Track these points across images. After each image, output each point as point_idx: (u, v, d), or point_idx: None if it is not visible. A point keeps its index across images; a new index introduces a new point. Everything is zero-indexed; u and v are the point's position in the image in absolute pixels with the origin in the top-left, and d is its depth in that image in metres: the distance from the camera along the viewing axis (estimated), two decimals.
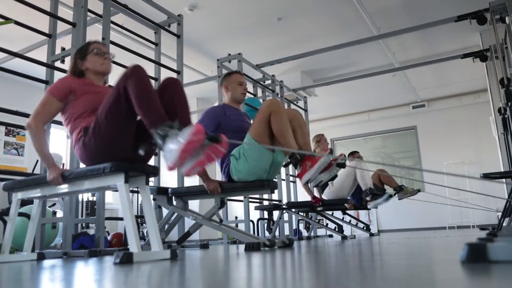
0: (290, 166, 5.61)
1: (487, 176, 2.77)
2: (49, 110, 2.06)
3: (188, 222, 2.98)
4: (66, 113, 2.08)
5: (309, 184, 2.42)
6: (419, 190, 4.98)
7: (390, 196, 4.72)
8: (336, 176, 4.71)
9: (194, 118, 6.52)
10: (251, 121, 2.75)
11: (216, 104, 3.07)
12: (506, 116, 3.89)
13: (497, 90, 4.91)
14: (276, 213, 4.71)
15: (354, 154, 5.56)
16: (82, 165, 2.05)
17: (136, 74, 1.75)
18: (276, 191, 4.80)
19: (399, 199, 5.02)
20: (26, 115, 2.87)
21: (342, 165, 2.37)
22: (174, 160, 1.55)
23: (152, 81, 3.76)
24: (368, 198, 4.62)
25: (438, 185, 2.15)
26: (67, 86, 2.08)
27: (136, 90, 1.72)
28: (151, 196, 2.17)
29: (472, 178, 7.52)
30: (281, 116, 2.43)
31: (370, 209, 4.84)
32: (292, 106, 6.27)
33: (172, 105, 1.86)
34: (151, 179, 2.35)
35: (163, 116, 1.68)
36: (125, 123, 1.82)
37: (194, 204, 6.44)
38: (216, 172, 5.36)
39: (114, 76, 2.38)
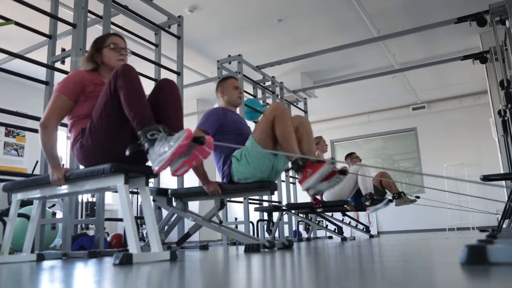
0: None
1: (487, 178, 2.77)
2: (63, 110, 2.00)
3: (188, 223, 2.98)
4: (72, 112, 2.04)
5: (308, 191, 2.39)
6: (418, 197, 4.94)
7: (390, 201, 4.69)
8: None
9: (194, 119, 6.53)
10: (253, 124, 2.76)
11: (216, 105, 3.06)
12: (506, 118, 3.89)
13: (497, 92, 4.91)
14: (276, 215, 4.71)
15: (352, 155, 5.54)
16: (81, 166, 2.04)
17: (125, 74, 1.74)
18: (276, 192, 4.79)
19: (396, 205, 4.99)
20: (26, 116, 2.88)
21: (344, 172, 2.34)
22: (163, 162, 1.58)
23: (152, 83, 3.78)
24: (367, 203, 4.61)
25: (438, 189, 2.15)
26: (79, 86, 2.00)
27: (125, 90, 1.72)
28: (151, 197, 2.17)
29: (472, 182, 7.51)
30: (285, 121, 2.41)
31: (368, 213, 4.83)
32: (292, 108, 6.27)
33: (165, 107, 1.87)
34: (151, 180, 2.35)
35: (150, 119, 1.69)
36: (119, 123, 1.80)
37: (193, 205, 6.44)
38: (215, 174, 5.35)
39: None
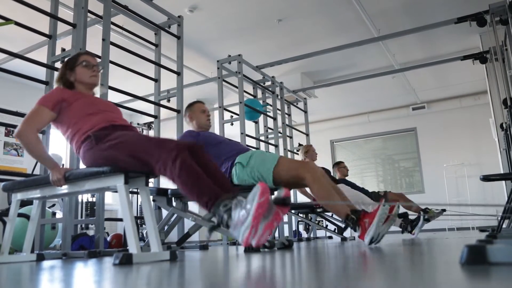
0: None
1: (487, 178, 2.77)
2: (41, 118, 2.03)
3: (188, 223, 2.98)
4: (63, 120, 2.06)
5: (373, 243, 2.30)
6: (444, 210, 4.80)
7: (426, 220, 4.56)
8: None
9: None
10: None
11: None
12: (508, 133, 3.93)
13: (497, 92, 4.92)
14: None
15: (339, 165, 5.55)
16: (81, 166, 2.04)
17: (181, 160, 1.64)
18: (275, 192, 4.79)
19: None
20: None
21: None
22: (248, 229, 1.43)
23: (152, 82, 3.79)
24: (409, 229, 4.52)
25: (439, 196, 2.15)
26: (59, 96, 2.08)
27: (184, 177, 1.64)
28: (151, 197, 2.17)
29: (474, 206, 7.51)
30: (323, 184, 2.45)
31: (415, 236, 4.66)
32: (292, 108, 6.27)
33: (209, 172, 1.75)
34: (151, 180, 2.35)
35: (219, 193, 1.60)
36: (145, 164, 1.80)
37: (193, 205, 6.43)
38: None
39: (112, 79, 2.39)
